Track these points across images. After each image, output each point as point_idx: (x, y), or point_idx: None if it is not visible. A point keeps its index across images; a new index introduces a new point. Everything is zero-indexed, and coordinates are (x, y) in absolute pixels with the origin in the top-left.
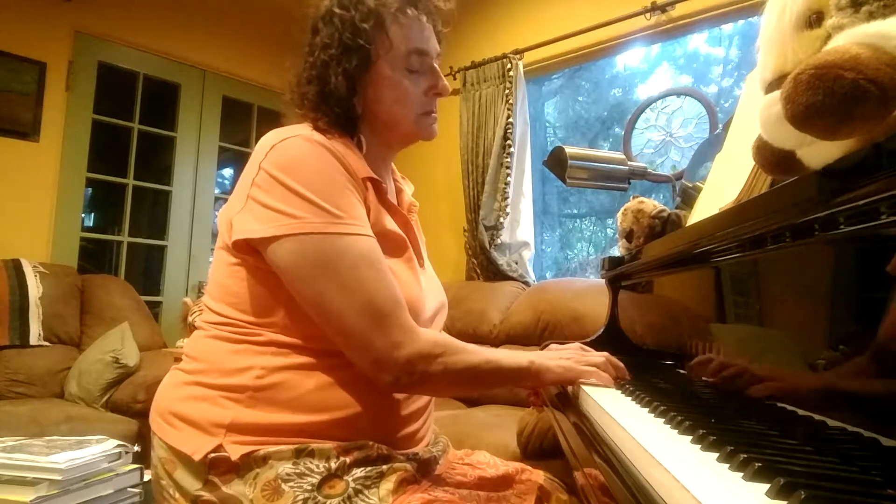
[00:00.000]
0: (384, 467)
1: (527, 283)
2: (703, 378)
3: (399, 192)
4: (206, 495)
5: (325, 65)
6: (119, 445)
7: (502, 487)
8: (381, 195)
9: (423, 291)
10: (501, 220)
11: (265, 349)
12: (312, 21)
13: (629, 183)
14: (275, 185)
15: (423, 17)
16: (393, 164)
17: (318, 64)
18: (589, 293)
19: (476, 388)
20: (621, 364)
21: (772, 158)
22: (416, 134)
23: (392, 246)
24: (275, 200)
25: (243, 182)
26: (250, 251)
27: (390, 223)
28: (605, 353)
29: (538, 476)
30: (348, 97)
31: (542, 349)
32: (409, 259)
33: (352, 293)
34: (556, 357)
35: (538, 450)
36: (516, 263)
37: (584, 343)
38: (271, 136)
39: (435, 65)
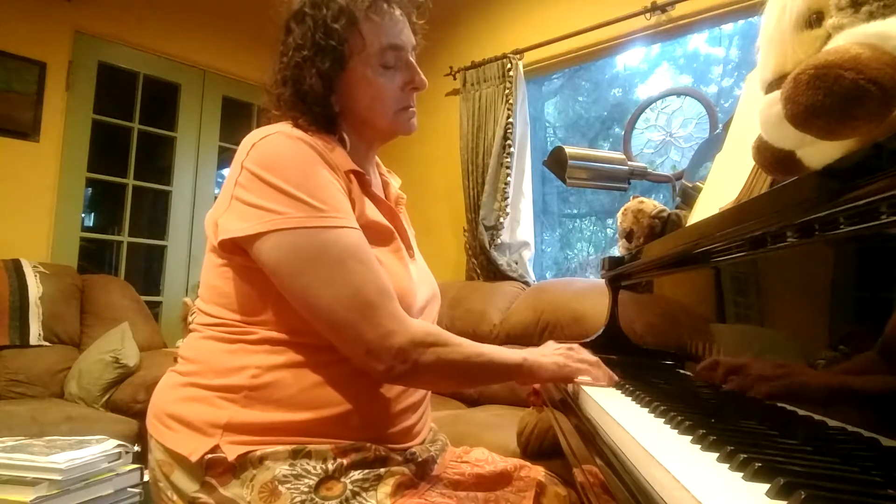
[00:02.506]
0: (382, 470)
1: (527, 283)
2: (704, 378)
3: (385, 185)
4: (204, 497)
5: (298, 66)
6: (119, 445)
7: (501, 484)
8: (365, 187)
9: (413, 281)
10: (501, 220)
11: (259, 347)
12: (285, 20)
13: (629, 183)
14: (257, 183)
15: (397, 10)
16: (378, 158)
17: (291, 65)
18: (589, 293)
19: (469, 381)
20: (610, 371)
21: (772, 158)
22: (395, 130)
23: (379, 236)
24: (258, 198)
25: (227, 183)
26: (237, 251)
27: (376, 214)
28: (597, 359)
29: (537, 472)
30: (325, 96)
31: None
32: (396, 249)
33: (339, 286)
34: (550, 353)
35: (538, 450)
36: (516, 263)
37: (584, 343)
38: (252, 135)
39: (411, 59)
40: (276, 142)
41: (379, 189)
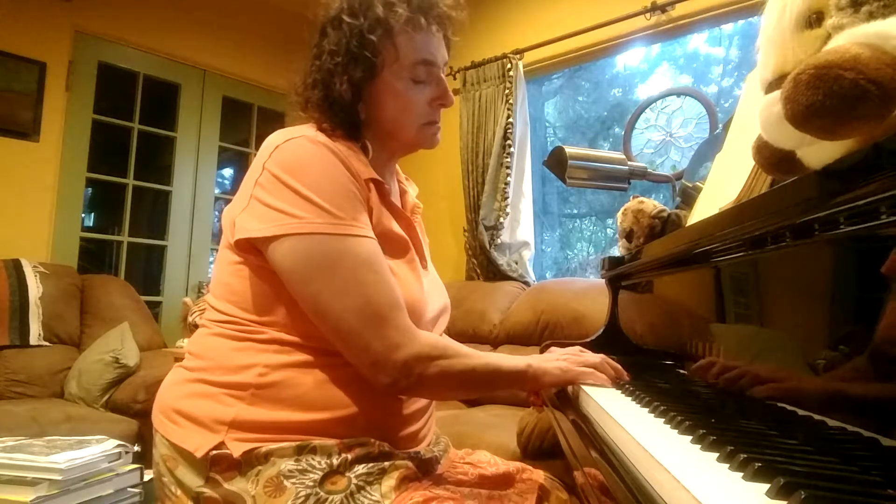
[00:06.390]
0: (386, 464)
1: (527, 283)
2: (704, 378)
3: (403, 193)
4: (208, 492)
5: (330, 71)
6: (119, 445)
7: (503, 486)
8: (383, 197)
9: (424, 293)
10: (501, 220)
11: (267, 347)
12: (321, 23)
13: (629, 183)
14: (278, 186)
15: (434, 26)
16: (397, 164)
17: (323, 69)
18: (589, 293)
19: (474, 391)
20: (618, 365)
21: (772, 158)
22: (419, 143)
23: (394, 247)
24: (277, 200)
25: (247, 182)
26: (252, 250)
27: (393, 224)
28: (602, 355)
29: (538, 475)
30: (352, 104)
31: (542, 351)
32: (410, 260)
33: (349, 295)
34: (553, 359)
35: (538, 450)
36: (516, 263)
37: (584, 343)
38: (276, 137)
39: (441, 75)
40: (299, 145)
41: (397, 198)
